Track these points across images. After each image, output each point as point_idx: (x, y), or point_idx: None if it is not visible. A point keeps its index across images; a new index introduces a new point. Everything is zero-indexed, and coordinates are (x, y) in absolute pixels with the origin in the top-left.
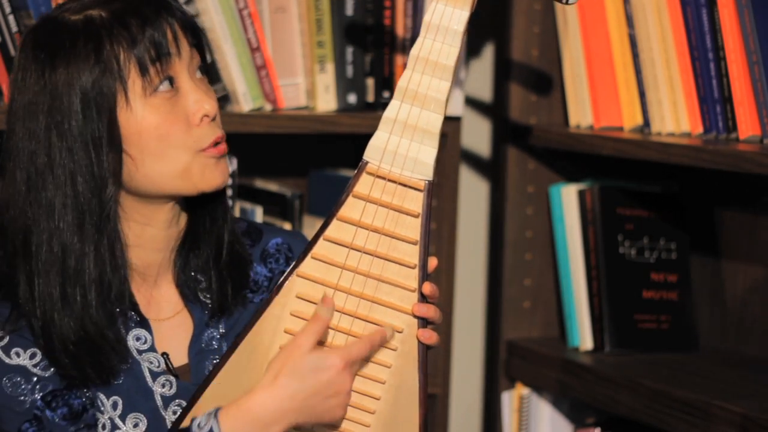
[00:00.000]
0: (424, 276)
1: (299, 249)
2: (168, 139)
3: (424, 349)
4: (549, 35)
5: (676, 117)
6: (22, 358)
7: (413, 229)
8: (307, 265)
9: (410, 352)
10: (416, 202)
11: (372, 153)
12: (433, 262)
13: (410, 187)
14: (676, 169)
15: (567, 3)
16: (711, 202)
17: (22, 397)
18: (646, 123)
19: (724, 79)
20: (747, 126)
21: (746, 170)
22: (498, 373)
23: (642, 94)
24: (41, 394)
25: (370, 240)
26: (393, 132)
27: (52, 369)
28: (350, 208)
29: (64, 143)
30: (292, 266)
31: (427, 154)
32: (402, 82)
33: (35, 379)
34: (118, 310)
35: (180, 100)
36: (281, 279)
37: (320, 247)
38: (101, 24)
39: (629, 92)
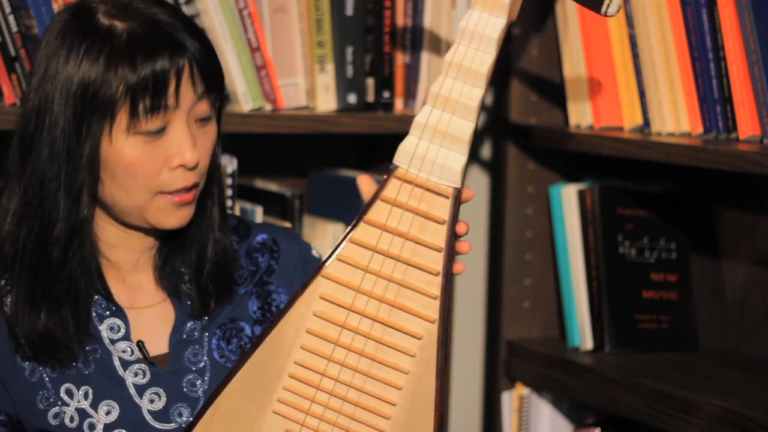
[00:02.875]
0: (448, 284)
1: (285, 243)
2: (136, 177)
3: (444, 357)
4: (549, 35)
5: (676, 117)
6: None
7: (438, 235)
8: (333, 267)
9: (429, 359)
10: (443, 208)
11: (401, 157)
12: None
13: (437, 194)
14: (676, 169)
15: (606, 15)
16: (711, 202)
17: None
18: (646, 123)
19: (724, 79)
20: (747, 126)
21: (746, 170)
22: (498, 373)
23: (642, 94)
24: None
25: (394, 244)
26: (423, 137)
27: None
28: (378, 211)
29: (46, 133)
30: (318, 266)
31: (456, 161)
32: (435, 88)
33: None
34: (89, 299)
35: (165, 141)
36: (308, 278)
37: (347, 249)
38: (116, 42)
39: (629, 92)
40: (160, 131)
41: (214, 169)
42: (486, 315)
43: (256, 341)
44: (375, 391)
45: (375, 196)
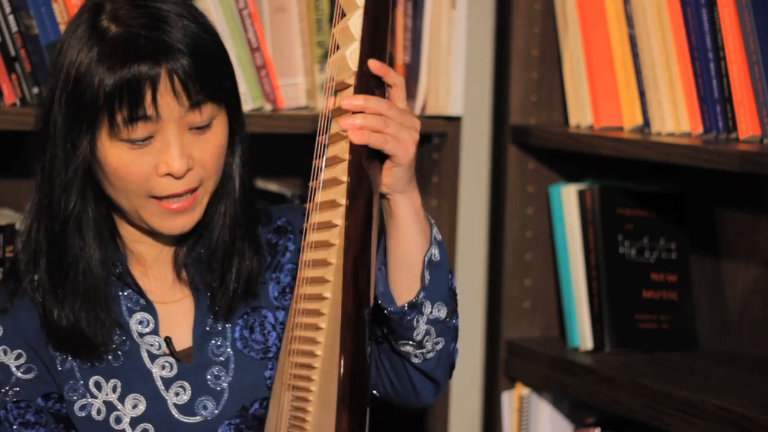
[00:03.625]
0: (355, 185)
1: (297, 221)
2: (124, 180)
3: (356, 274)
4: (549, 35)
5: (676, 117)
6: (8, 357)
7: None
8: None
9: (335, 290)
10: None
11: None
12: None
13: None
14: (676, 169)
15: None
16: (711, 202)
17: None
18: (646, 123)
19: (724, 79)
20: (747, 126)
21: (746, 170)
22: (498, 373)
23: (642, 94)
24: (14, 398)
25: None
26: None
27: (33, 373)
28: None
29: (51, 131)
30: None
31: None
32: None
33: (13, 380)
34: (120, 293)
35: (153, 149)
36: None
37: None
38: (105, 45)
39: (629, 92)
40: (146, 140)
41: (233, 169)
42: (486, 315)
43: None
44: (308, 321)
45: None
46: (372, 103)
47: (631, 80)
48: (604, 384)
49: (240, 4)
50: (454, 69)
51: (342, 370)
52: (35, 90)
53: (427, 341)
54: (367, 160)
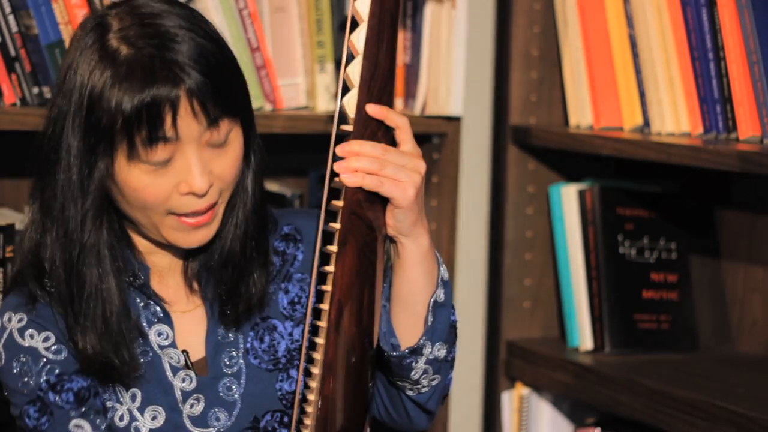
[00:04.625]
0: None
1: (307, 229)
2: (144, 200)
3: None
4: (549, 35)
5: (676, 117)
6: (36, 340)
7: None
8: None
9: None
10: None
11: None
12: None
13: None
14: (676, 169)
15: None
16: (711, 202)
17: (28, 379)
18: (646, 123)
19: (724, 79)
20: (747, 126)
21: (746, 170)
22: (498, 373)
23: (642, 94)
24: (47, 377)
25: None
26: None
27: (63, 354)
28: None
29: (63, 154)
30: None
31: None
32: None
33: (44, 361)
34: (141, 303)
35: (173, 169)
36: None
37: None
38: (119, 68)
39: (629, 92)
40: (166, 162)
41: (247, 181)
42: (486, 315)
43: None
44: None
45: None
46: (367, 148)
47: (631, 80)
48: (604, 384)
49: (240, 4)
50: (454, 69)
51: (319, 412)
52: (35, 90)
53: (423, 379)
54: (367, 203)
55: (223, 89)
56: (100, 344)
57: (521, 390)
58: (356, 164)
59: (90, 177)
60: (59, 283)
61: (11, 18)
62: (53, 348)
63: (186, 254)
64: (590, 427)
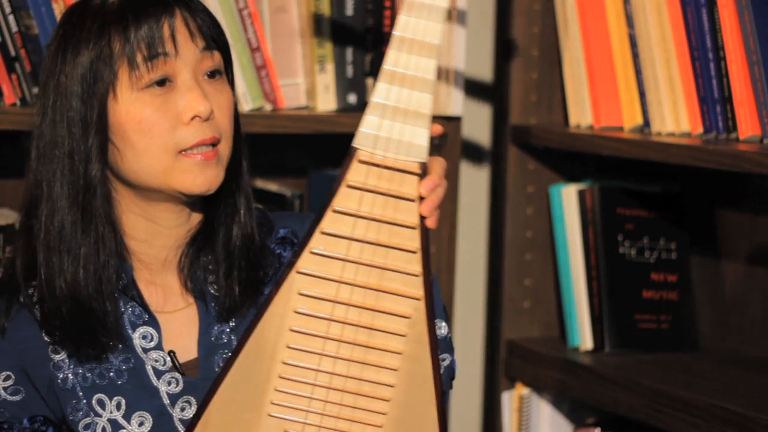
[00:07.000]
0: (427, 259)
1: (302, 232)
2: (150, 135)
3: (434, 332)
4: (549, 35)
5: (676, 117)
6: None
7: (412, 213)
8: (306, 261)
9: (420, 336)
10: (412, 185)
11: (363, 140)
12: (437, 129)
13: (406, 172)
14: (676, 169)
15: None
16: (711, 202)
17: None
18: (646, 123)
19: (724, 79)
20: (747, 126)
21: (746, 170)
22: (498, 373)
23: (642, 94)
24: None
25: (370, 229)
26: (384, 116)
27: (20, 396)
28: (345, 198)
29: (64, 122)
30: (287, 263)
31: (420, 136)
32: (387, 65)
33: None
34: (124, 307)
35: (174, 97)
36: (279, 275)
37: (317, 241)
38: (108, 11)
39: (629, 92)
40: (164, 83)
41: (241, 147)
42: (486, 315)
43: (237, 347)
44: (372, 376)
45: (338, 183)
46: (441, 190)
47: (631, 80)
48: (604, 384)
49: (240, 4)
50: (454, 69)
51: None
52: (35, 90)
53: None
54: None
55: (213, 24)
56: (81, 283)
57: (521, 390)
58: (437, 203)
59: (92, 120)
60: (52, 238)
61: (11, 18)
62: (10, 389)
63: (178, 246)
64: (590, 427)
